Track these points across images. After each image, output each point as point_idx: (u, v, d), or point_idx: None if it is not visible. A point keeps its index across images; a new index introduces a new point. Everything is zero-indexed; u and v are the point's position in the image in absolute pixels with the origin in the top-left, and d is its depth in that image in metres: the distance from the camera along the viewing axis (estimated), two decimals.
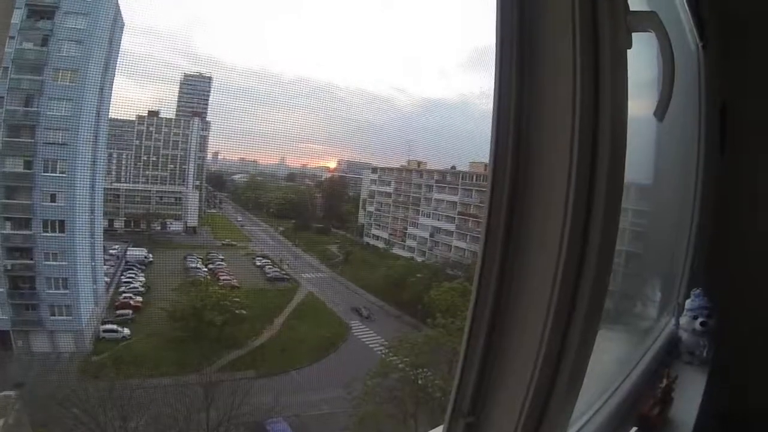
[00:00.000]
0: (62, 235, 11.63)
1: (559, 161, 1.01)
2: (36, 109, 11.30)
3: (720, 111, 3.10)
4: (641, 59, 1.34)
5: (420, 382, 11.97)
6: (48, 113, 11.36)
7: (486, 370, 1.14)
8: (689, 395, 2.42)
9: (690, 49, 2.90)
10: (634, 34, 1.20)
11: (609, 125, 1.02)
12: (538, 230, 1.05)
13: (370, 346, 14.48)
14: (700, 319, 2.75)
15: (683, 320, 2.82)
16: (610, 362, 2.39)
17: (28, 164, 11.38)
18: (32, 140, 11.31)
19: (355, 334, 14.91)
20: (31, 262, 11.58)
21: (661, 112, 1.24)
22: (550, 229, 1.03)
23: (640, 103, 1.44)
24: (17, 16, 10.95)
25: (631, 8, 1.20)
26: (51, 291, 11.67)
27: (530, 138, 1.05)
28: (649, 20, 1.19)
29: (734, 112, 3.12)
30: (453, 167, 16.28)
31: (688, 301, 2.84)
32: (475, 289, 1.10)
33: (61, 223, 11.61)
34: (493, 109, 1.04)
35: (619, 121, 1.07)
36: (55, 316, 11.74)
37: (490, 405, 1.16)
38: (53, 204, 11.54)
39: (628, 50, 1.19)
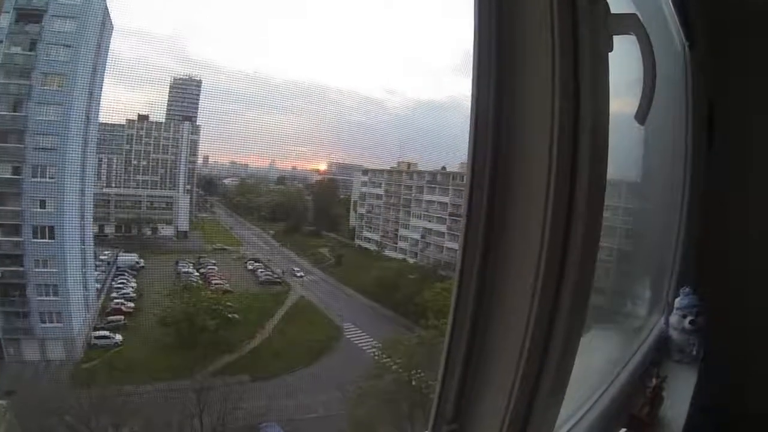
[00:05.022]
0: (52, 241, 11.49)
1: (538, 163, 1.01)
2: (24, 114, 11.18)
3: (707, 108, 3.12)
4: (632, 58, 1.34)
5: (414, 383, 11.96)
6: (36, 118, 11.23)
7: (468, 377, 1.13)
8: (679, 394, 2.44)
9: (676, 49, 2.92)
10: (623, 36, 1.20)
11: (589, 127, 1.02)
12: (518, 233, 1.05)
13: (363, 348, 14.45)
14: (689, 318, 2.76)
15: (673, 319, 2.83)
16: (600, 362, 2.39)
17: (16, 170, 11.25)
18: (21, 145, 11.18)
19: (348, 336, 14.87)
20: (21, 269, 11.44)
21: (642, 116, 1.24)
22: (530, 232, 1.02)
23: (628, 101, 1.44)
24: (5, 20, 10.86)
25: (615, 10, 1.20)
26: (41, 298, 11.53)
27: (509, 140, 1.04)
28: (629, 23, 1.19)
29: (721, 109, 3.14)
30: (443, 168, 16.20)
31: (677, 300, 2.85)
32: (455, 294, 1.09)
33: (51, 229, 11.47)
34: (471, 111, 1.03)
35: (600, 122, 1.07)
36: (45, 323, 11.61)
37: (473, 411, 1.15)
38: (43, 210, 11.41)
39: (621, 49, 1.19)
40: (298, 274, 16.39)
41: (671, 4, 2.51)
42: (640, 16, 1.25)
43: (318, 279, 16.79)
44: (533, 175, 1.00)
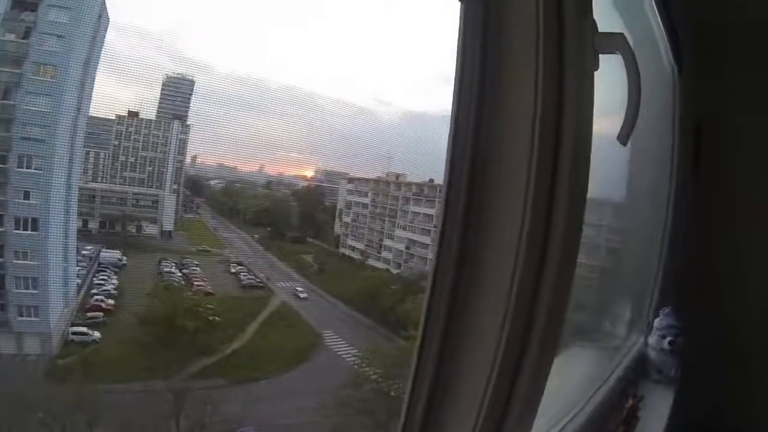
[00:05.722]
0: (35, 233, 11.29)
1: (517, 176, 0.99)
2: (13, 102, 11.02)
3: (694, 132, 3.15)
4: (621, 80, 1.34)
5: (393, 393, 11.91)
6: (26, 108, 11.07)
7: (437, 392, 1.11)
8: (656, 414, 2.44)
9: (665, 71, 2.95)
10: (613, 57, 1.20)
11: (571, 143, 1.01)
12: (493, 247, 1.04)
13: (343, 356, 14.40)
14: (668, 338, 2.78)
15: (652, 339, 2.85)
16: (577, 379, 2.39)
17: (2, 159, 11.08)
18: (8, 134, 11.02)
19: (328, 344, 14.79)
20: (1, 260, 11.24)
21: (624, 136, 1.24)
22: (506, 244, 1.01)
23: (615, 122, 1.44)
24: (0, 7, 10.76)
25: (604, 29, 1.20)
26: (20, 291, 11.31)
27: (488, 152, 1.03)
28: (616, 42, 1.19)
29: (708, 133, 3.18)
30: (431, 180, 16.04)
31: (657, 320, 2.87)
32: (426, 307, 1.08)
33: (35, 221, 11.28)
34: (451, 122, 1.02)
35: (582, 139, 1.06)
36: (23, 316, 11.37)
37: (440, 428, 1.13)
38: (27, 201, 11.23)
39: (609, 70, 1.19)
40: (302, 295, 16.06)
41: (662, 26, 2.54)
42: (628, 36, 1.26)
43: (301, 286, 16.67)
44: (511, 187, 0.99)
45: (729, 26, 2.95)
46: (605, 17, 1.22)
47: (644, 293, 3.17)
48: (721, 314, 3.00)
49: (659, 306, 3.00)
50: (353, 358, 14.14)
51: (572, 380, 2.27)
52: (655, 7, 2.40)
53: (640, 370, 2.82)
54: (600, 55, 1.19)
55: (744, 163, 3.14)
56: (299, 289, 16.26)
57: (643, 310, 3.13)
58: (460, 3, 1.01)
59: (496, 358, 0.98)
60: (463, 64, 1.00)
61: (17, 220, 11.14)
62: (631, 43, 1.24)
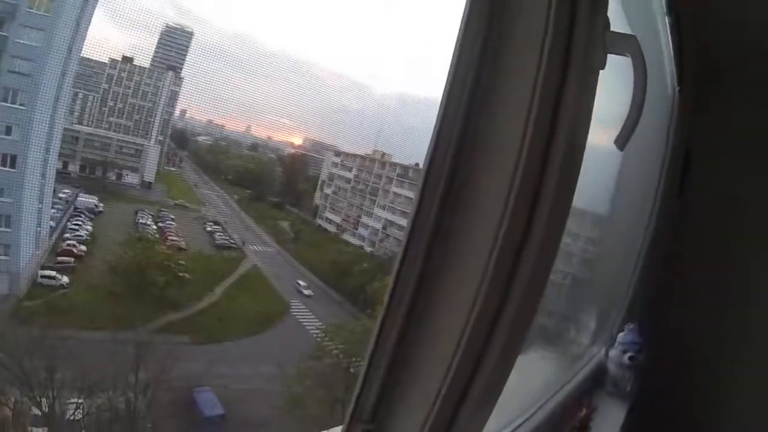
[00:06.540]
0: (13, 170, 11.03)
1: (502, 171, 0.96)
2: (5, 33, 10.65)
3: (684, 156, 3.16)
4: (619, 90, 1.31)
5: (352, 370, 11.99)
6: (17, 40, 10.72)
7: (392, 376, 1.09)
8: (607, 426, 2.46)
9: (667, 91, 2.94)
10: (616, 65, 1.17)
11: (565, 141, 0.98)
12: (469, 238, 1.01)
13: (307, 327, 14.46)
14: (629, 354, 2.81)
15: (613, 352, 2.87)
16: (535, 382, 2.39)
17: None
18: None
19: (294, 313, 14.86)
20: None
21: (623, 140, 1.21)
22: (481, 240, 0.98)
23: (608, 132, 1.42)
24: None
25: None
26: None
27: (476, 140, 1.00)
28: (627, 43, 1.15)
29: (697, 158, 3.19)
30: (417, 164, 16.09)
31: (620, 335, 2.89)
32: (391, 288, 1.05)
33: (13, 158, 11.01)
34: (441, 102, 0.98)
35: (576, 140, 1.03)
36: None
37: (392, 413, 1.11)
38: (8, 137, 10.94)
39: (609, 75, 1.16)
40: (305, 292, 15.73)
41: (671, 46, 2.51)
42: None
43: (274, 251, 16.65)
44: (493, 184, 0.96)
45: (733, 54, 2.94)
46: (616, 26, 1.18)
47: (612, 306, 3.19)
48: (686, 337, 3.04)
49: (625, 321, 3.03)
50: (317, 331, 14.20)
51: (530, 382, 2.27)
52: (668, 27, 2.37)
53: (597, 381, 2.86)
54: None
55: (727, 193, 3.17)
56: (302, 283, 15.95)
57: (609, 322, 3.15)
58: None
59: (458, 349, 0.96)
60: (463, 44, 0.95)
61: None
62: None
